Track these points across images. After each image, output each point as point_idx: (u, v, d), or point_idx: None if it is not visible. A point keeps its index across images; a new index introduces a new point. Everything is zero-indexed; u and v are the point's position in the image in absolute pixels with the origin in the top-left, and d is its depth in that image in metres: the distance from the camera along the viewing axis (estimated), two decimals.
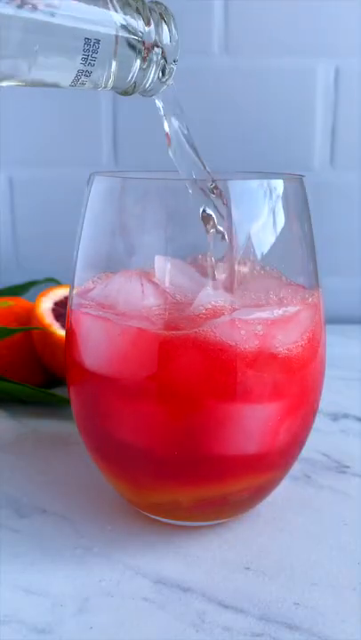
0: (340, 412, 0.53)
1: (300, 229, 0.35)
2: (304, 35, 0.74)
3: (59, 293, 0.57)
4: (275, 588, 0.33)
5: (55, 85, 0.29)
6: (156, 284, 0.33)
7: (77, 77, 0.29)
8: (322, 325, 0.36)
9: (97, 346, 0.34)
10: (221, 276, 0.33)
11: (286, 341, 0.33)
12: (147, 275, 0.33)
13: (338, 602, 0.32)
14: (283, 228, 0.34)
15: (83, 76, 0.29)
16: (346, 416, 0.53)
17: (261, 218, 0.33)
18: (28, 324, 0.56)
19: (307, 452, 0.41)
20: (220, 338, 0.31)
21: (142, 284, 0.33)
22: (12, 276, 0.78)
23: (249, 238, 0.32)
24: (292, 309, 0.33)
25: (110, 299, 0.34)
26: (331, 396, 0.52)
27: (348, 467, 0.45)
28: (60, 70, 0.28)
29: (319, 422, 0.42)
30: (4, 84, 0.28)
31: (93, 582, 0.33)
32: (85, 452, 0.38)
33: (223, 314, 0.31)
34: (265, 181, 0.33)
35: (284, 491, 0.41)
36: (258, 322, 0.32)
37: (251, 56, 0.75)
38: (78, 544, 0.36)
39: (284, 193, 0.34)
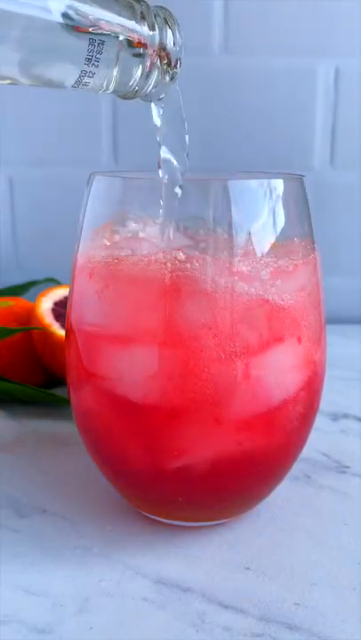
0: (340, 412, 0.53)
1: (300, 229, 0.35)
2: (304, 35, 0.74)
3: (59, 293, 0.57)
4: (275, 588, 0.33)
5: (58, 85, 0.29)
6: (155, 242, 0.34)
7: (80, 78, 0.29)
8: (319, 281, 0.37)
9: (95, 299, 0.34)
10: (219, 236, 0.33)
11: (284, 291, 0.33)
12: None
13: (338, 602, 0.32)
14: (283, 228, 0.34)
15: (86, 77, 0.29)
16: (346, 416, 0.53)
17: (261, 218, 0.33)
18: (27, 324, 0.56)
19: (307, 451, 0.41)
20: (221, 285, 0.32)
21: (142, 242, 0.34)
22: (12, 276, 0.78)
23: (249, 238, 0.32)
24: (289, 262, 0.34)
25: (112, 253, 0.34)
26: (331, 396, 0.52)
27: (348, 467, 0.45)
28: (64, 70, 0.28)
29: (319, 422, 0.42)
30: (7, 82, 0.28)
31: (93, 582, 0.33)
32: (85, 452, 0.38)
33: (222, 262, 0.32)
34: (265, 181, 0.33)
35: (284, 491, 0.41)
36: (254, 268, 0.32)
37: (251, 56, 0.75)
38: (78, 544, 0.36)
39: (284, 193, 0.34)
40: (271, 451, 0.35)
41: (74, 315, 0.36)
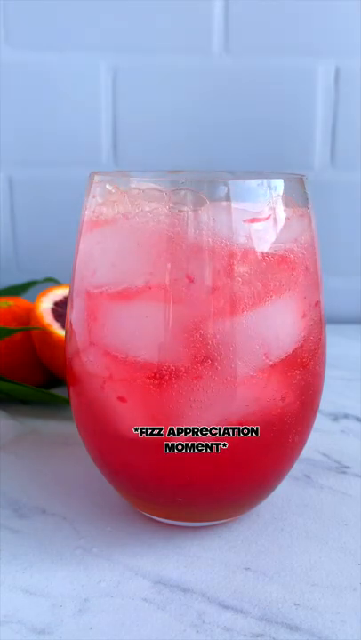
0: (340, 412, 0.53)
1: (300, 229, 0.35)
2: (304, 35, 0.74)
3: (58, 293, 0.57)
4: (275, 589, 0.33)
5: None
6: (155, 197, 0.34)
7: None
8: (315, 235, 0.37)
9: (95, 256, 0.34)
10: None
11: (280, 240, 0.33)
12: None
13: (338, 602, 0.32)
14: (283, 228, 0.34)
15: None
16: (346, 416, 0.53)
17: (261, 218, 0.33)
18: (27, 324, 0.56)
19: (307, 452, 0.41)
20: (218, 238, 0.32)
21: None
22: (12, 276, 0.78)
23: (249, 238, 0.32)
24: (284, 212, 0.34)
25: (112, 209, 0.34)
26: (331, 396, 0.52)
27: (348, 467, 0.45)
28: None
29: (319, 422, 0.42)
30: None
31: (93, 583, 0.33)
32: (85, 452, 0.38)
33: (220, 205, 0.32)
34: (265, 181, 0.33)
35: (284, 491, 0.41)
36: (251, 215, 0.33)
37: (251, 56, 0.75)
38: (78, 544, 0.36)
39: (284, 193, 0.34)
40: (278, 418, 0.34)
41: (77, 278, 0.36)
